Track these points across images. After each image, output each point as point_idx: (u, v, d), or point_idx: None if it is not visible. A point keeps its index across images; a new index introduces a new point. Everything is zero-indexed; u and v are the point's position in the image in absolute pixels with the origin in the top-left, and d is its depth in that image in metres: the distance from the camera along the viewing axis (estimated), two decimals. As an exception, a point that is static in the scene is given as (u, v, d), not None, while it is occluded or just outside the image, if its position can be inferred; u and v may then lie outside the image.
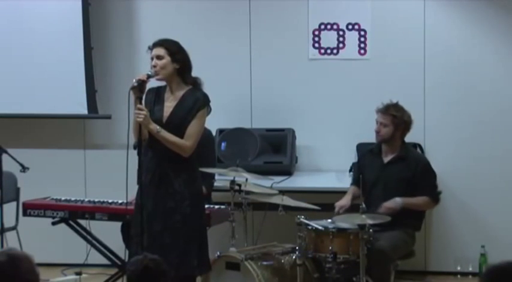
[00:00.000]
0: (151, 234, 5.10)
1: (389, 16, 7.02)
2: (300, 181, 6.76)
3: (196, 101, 5.21)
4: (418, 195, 6.03)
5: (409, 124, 6.16)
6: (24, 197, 6.47)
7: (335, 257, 5.43)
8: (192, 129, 5.18)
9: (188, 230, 5.17)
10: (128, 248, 5.46)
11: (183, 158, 5.17)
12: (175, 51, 5.23)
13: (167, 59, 5.19)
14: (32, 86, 7.20)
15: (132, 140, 5.20)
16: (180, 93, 5.22)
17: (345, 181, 6.68)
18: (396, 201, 5.92)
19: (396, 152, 6.15)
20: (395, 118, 6.08)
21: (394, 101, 6.16)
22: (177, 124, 5.14)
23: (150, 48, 5.27)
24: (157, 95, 5.25)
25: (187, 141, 5.16)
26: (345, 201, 6.11)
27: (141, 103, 5.06)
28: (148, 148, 5.16)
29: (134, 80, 5.06)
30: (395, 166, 6.11)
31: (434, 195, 6.14)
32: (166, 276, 3.32)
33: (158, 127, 5.09)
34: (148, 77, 5.11)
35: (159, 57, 5.19)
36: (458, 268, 6.95)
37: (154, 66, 5.17)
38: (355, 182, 6.27)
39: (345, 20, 7.04)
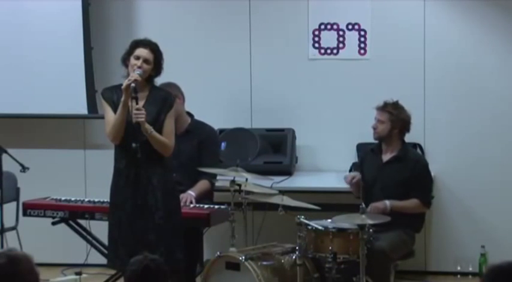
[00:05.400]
0: (135, 233, 5.15)
1: (389, 16, 7.02)
2: (300, 181, 6.76)
3: (165, 102, 5.26)
4: (410, 195, 6.03)
5: (407, 123, 6.15)
6: (24, 197, 6.47)
7: (335, 257, 5.44)
8: (169, 129, 5.24)
9: (171, 225, 5.22)
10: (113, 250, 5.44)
11: (159, 155, 5.21)
12: (160, 60, 5.28)
13: (151, 65, 5.21)
14: (32, 86, 7.20)
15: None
16: (144, 93, 5.24)
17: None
18: (385, 204, 5.92)
19: (395, 151, 6.15)
20: (392, 115, 6.09)
21: (394, 100, 6.18)
22: (150, 123, 5.14)
23: (138, 45, 5.26)
24: (117, 95, 5.21)
25: (170, 142, 5.21)
26: (354, 172, 6.15)
27: (137, 103, 5.07)
28: (125, 148, 5.17)
29: (130, 80, 5.06)
30: (393, 167, 6.12)
31: (426, 199, 6.13)
32: (166, 276, 3.33)
33: (151, 127, 5.11)
34: (139, 77, 5.14)
35: (147, 62, 5.20)
36: (458, 268, 6.94)
37: (140, 67, 5.16)
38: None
39: (345, 20, 7.03)
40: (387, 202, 5.92)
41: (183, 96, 6.22)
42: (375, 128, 6.16)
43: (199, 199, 6.03)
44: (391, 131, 6.11)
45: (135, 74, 5.11)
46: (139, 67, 5.16)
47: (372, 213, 5.76)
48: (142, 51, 5.21)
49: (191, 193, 6.00)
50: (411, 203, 6.03)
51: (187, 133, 6.15)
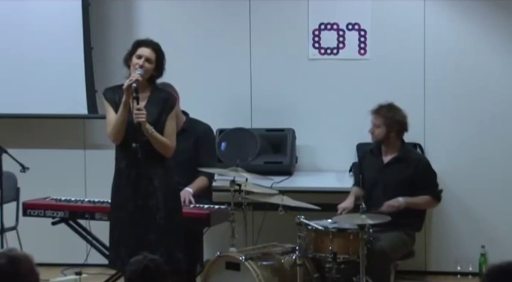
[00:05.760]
0: (136, 234, 5.15)
1: (389, 16, 7.02)
2: (300, 181, 6.76)
3: (166, 103, 5.25)
4: (419, 194, 6.04)
5: (404, 124, 6.13)
6: (24, 197, 6.47)
7: (335, 257, 5.44)
8: (170, 129, 5.24)
9: (172, 225, 5.22)
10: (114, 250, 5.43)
11: (160, 156, 5.21)
12: (162, 60, 5.27)
13: (153, 65, 5.21)
14: (32, 86, 7.20)
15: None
16: (146, 94, 5.22)
17: (345, 181, 6.69)
18: (399, 201, 5.94)
19: (395, 152, 6.15)
20: (387, 119, 6.08)
21: (390, 101, 6.16)
22: (151, 124, 5.14)
23: (140, 44, 5.26)
24: (119, 95, 5.21)
25: (171, 142, 5.21)
26: (347, 203, 6.10)
27: (138, 103, 5.07)
28: (125, 148, 5.17)
29: (131, 80, 5.05)
30: (394, 167, 6.12)
31: (436, 194, 6.16)
32: (166, 276, 3.33)
33: (152, 127, 5.11)
34: (140, 77, 5.13)
35: (149, 61, 5.19)
36: (458, 268, 6.94)
37: (141, 67, 5.16)
38: (357, 183, 6.27)
39: (345, 20, 7.04)
40: (400, 199, 5.94)
41: (177, 95, 6.22)
42: (372, 132, 6.18)
43: (198, 196, 6.03)
44: (388, 133, 6.11)
45: (136, 74, 5.11)
46: (141, 66, 5.16)
47: (386, 211, 5.77)
48: (144, 50, 5.21)
49: (189, 190, 6.00)
50: (424, 199, 6.06)
51: (183, 132, 6.14)
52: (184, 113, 6.31)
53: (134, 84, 5.05)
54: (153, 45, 5.27)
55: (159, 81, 5.46)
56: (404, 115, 6.14)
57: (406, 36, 6.98)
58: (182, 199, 5.79)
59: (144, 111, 5.06)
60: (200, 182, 6.14)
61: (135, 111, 5.05)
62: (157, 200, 5.18)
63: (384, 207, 5.87)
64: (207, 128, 6.38)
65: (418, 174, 6.08)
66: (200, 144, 6.22)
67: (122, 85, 5.18)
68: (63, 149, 7.39)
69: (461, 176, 6.92)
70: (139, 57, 5.19)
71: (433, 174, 6.19)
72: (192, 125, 6.27)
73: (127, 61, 5.27)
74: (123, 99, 5.09)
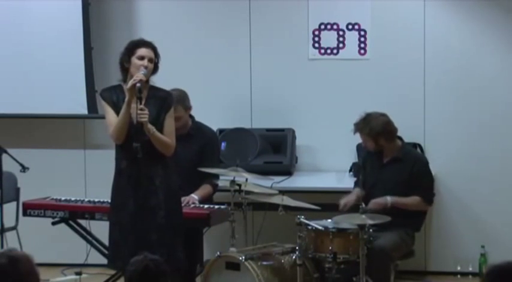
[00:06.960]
0: (137, 234, 5.15)
1: (389, 16, 7.02)
2: (300, 181, 6.76)
3: (164, 101, 5.25)
4: (411, 194, 6.03)
5: (387, 130, 6.07)
6: (24, 197, 6.47)
7: (335, 257, 5.44)
8: (169, 128, 5.24)
9: (173, 225, 5.22)
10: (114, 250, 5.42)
11: (161, 155, 5.20)
12: (158, 58, 5.28)
13: (153, 64, 5.21)
14: (32, 86, 7.20)
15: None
16: (143, 93, 5.21)
17: (345, 181, 6.69)
18: (386, 199, 5.92)
19: (394, 153, 6.13)
20: (368, 134, 6.07)
21: (368, 112, 6.12)
22: (150, 123, 5.12)
23: (138, 45, 5.24)
24: (117, 95, 5.22)
25: (171, 141, 5.21)
26: (349, 196, 6.10)
27: (141, 103, 5.07)
28: (126, 148, 5.17)
29: (136, 80, 5.05)
30: (392, 168, 6.11)
31: (427, 197, 6.12)
32: (166, 276, 3.33)
33: (154, 127, 5.11)
34: (145, 76, 5.13)
35: (151, 61, 5.20)
36: (458, 268, 6.94)
37: (146, 67, 5.16)
38: (358, 184, 6.25)
39: (345, 20, 7.04)
40: (388, 198, 5.93)
41: (190, 105, 6.20)
42: (364, 146, 6.20)
43: (201, 203, 6.03)
44: (377, 143, 6.09)
45: (140, 74, 5.10)
46: (145, 67, 5.16)
47: (372, 208, 5.76)
48: (145, 51, 5.21)
49: (194, 196, 5.99)
50: (413, 200, 6.02)
51: (189, 137, 6.12)
52: (190, 116, 6.27)
53: (138, 84, 5.05)
54: (151, 44, 5.28)
55: (162, 80, 5.45)
56: (384, 121, 6.07)
57: (406, 36, 6.98)
58: (185, 202, 5.80)
59: (146, 111, 5.07)
60: (205, 190, 6.12)
61: (138, 111, 5.05)
62: (158, 200, 5.18)
63: (370, 205, 5.84)
64: (213, 135, 6.38)
65: (414, 174, 6.06)
66: (206, 150, 6.19)
67: (118, 85, 5.20)
68: (63, 149, 7.39)
69: (461, 176, 6.92)
70: (142, 58, 5.19)
71: (428, 177, 6.16)
72: (199, 130, 6.23)
73: (123, 63, 5.25)
74: (127, 99, 5.08)
